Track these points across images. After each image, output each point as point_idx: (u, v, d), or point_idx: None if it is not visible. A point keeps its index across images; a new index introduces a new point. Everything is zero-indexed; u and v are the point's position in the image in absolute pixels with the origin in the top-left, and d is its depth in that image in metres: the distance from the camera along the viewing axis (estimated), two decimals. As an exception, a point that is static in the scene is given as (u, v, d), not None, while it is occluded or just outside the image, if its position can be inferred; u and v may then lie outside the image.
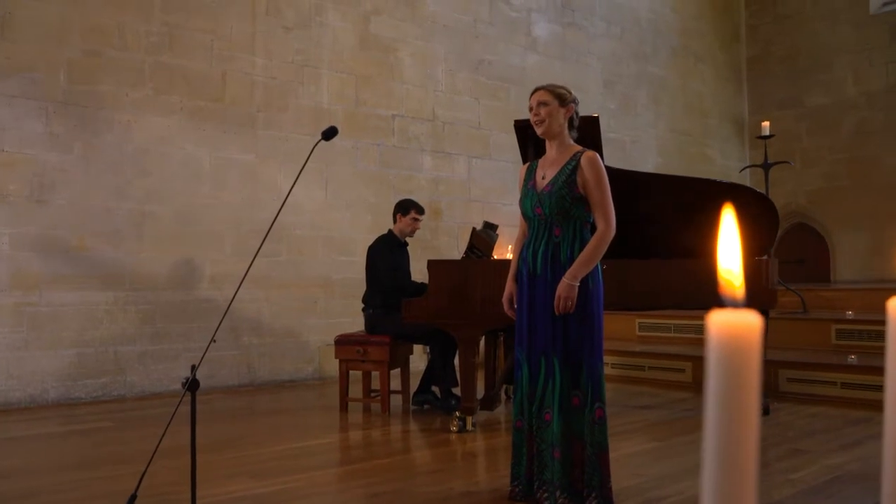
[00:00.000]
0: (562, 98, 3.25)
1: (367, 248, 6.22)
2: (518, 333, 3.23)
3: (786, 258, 9.66)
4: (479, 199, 9.24)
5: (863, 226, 11.58)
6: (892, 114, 11.53)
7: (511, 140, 7.61)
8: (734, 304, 0.51)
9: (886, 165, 11.51)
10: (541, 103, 3.25)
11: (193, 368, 2.60)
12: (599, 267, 3.17)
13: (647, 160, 11.12)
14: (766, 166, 8.44)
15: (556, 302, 3.06)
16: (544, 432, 3.11)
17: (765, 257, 5.43)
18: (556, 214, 3.17)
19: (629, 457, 4.24)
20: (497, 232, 6.11)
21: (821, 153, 12.16)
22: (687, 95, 12.12)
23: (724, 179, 7.48)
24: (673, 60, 11.95)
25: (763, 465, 4.21)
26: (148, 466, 3.01)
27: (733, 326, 0.47)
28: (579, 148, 3.29)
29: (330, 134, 3.23)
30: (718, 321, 0.47)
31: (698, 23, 12.45)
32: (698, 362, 6.92)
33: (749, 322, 0.47)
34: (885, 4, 11.85)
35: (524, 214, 3.29)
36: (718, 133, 12.63)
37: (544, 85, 3.36)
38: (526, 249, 3.25)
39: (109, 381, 6.54)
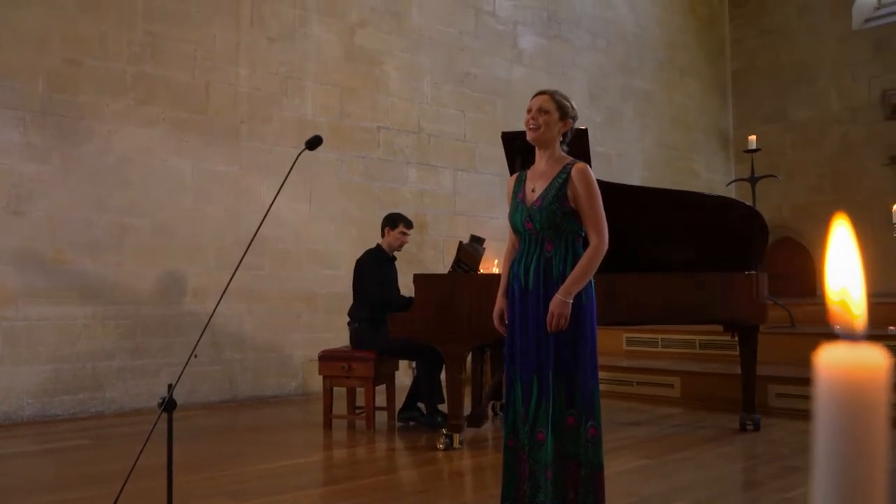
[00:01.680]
0: (563, 111, 3.12)
1: (351, 261, 6.12)
2: (509, 351, 3.13)
3: (770, 272, 9.63)
4: (464, 212, 9.15)
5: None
6: (875, 128, 11.56)
7: (497, 153, 7.54)
8: (852, 337, 0.39)
9: (870, 179, 11.53)
10: (542, 110, 3.11)
11: (170, 388, 2.49)
12: (592, 282, 3.07)
13: (633, 174, 11.08)
14: (752, 180, 8.41)
15: (548, 319, 2.96)
16: (537, 452, 3.00)
17: (754, 272, 5.37)
18: (547, 229, 3.05)
19: (620, 475, 4.15)
20: (484, 246, 6.02)
21: (805, 167, 12.17)
22: (672, 109, 12.11)
23: (712, 193, 7.44)
24: (658, 74, 11.94)
25: (757, 484, 4.13)
26: (123, 488, 2.89)
27: (854, 366, 0.35)
28: (570, 159, 3.15)
29: (314, 143, 3.14)
30: (833, 358, 0.36)
31: (684, 36, 12.46)
32: (687, 377, 6.85)
33: (874, 360, 0.36)
34: (867, 20, 11.91)
35: (514, 229, 3.18)
36: (704, 147, 12.62)
37: (551, 91, 3.19)
38: (517, 264, 3.14)
39: (87, 397, 6.38)
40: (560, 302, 2.94)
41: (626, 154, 11.21)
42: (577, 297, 2.99)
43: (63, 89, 6.42)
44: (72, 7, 6.50)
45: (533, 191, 3.12)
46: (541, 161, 3.15)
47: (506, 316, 3.19)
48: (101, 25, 6.63)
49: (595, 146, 10.28)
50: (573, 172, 3.07)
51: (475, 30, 9.49)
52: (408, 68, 8.76)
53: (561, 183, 3.07)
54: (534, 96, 3.17)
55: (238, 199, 7.32)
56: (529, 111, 3.13)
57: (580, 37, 10.78)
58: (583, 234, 3.08)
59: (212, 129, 7.22)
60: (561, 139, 3.17)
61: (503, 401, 6.21)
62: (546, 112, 3.09)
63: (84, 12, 6.56)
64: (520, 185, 3.18)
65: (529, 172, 3.19)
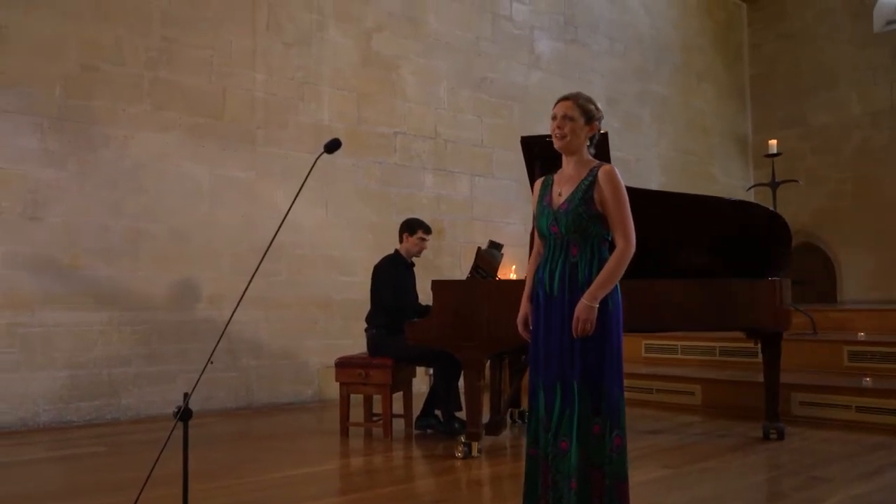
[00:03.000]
0: (588, 115, 3.04)
1: (368, 267, 6.07)
2: (533, 357, 3.06)
3: (791, 278, 9.51)
4: (481, 217, 9.09)
5: (868, 245, 11.44)
6: (897, 133, 11.42)
7: (514, 158, 7.48)
8: None
9: (891, 185, 11.39)
10: (567, 117, 3.04)
11: (186, 397, 2.44)
12: (619, 287, 3.00)
13: (650, 179, 10.99)
14: (773, 185, 8.30)
15: (574, 324, 2.89)
16: (560, 462, 2.93)
17: (777, 278, 5.28)
18: (573, 233, 2.98)
19: (642, 485, 4.06)
20: (502, 252, 5.96)
21: (825, 172, 12.04)
22: (690, 114, 12.01)
23: (732, 197, 7.34)
24: (675, 78, 11.85)
25: (782, 496, 4.04)
26: (139, 496, 2.84)
27: None
28: (596, 162, 3.07)
29: (333, 146, 3.09)
30: None
31: (700, 40, 12.37)
32: (708, 384, 6.75)
33: None
34: (888, 23, 11.77)
35: (539, 233, 3.11)
36: (721, 152, 12.51)
37: (572, 95, 3.10)
38: (542, 269, 3.07)
39: (103, 403, 6.36)
40: (586, 307, 2.87)
41: (643, 159, 11.13)
42: (604, 303, 2.92)
43: (79, 95, 6.41)
44: (88, 13, 6.49)
45: (559, 195, 3.05)
46: (568, 165, 3.09)
47: (530, 322, 3.12)
48: (118, 31, 6.62)
49: (613, 151, 10.19)
50: (600, 174, 3.00)
51: (492, 34, 9.44)
52: (424, 73, 8.72)
53: (587, 186, 3.00)
54: (557, 102, 3.10)
55: (253, 204, 7.29)
56: (554, 118, 3.06)
57: (597, 41, 10.71)
58: (609, 238, 3.01)
59: (228, 135, 7.20)
60: (588, 143, 3.11)
61: (523, 408, 6.12)
62: (571, 119, 3.02)
63: (100, 19, 6.55)
64: (546, 189, 3.12)
65: (556, 176, 3.12)
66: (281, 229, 3.28)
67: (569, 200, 3.01)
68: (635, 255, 2.97)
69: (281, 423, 6.47)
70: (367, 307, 5.89)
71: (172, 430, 2.65)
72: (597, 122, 3.10)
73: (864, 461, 4.64)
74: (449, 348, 4.96)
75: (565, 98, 3.10)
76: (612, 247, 3.00)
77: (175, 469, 2.82)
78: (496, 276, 5.78)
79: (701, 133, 12.16)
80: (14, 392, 5.95)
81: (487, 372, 6.00)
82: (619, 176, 3.03)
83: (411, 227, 5.92)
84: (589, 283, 2.92)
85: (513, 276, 7.65)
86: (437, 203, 8.68)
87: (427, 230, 5.95)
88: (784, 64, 12.68)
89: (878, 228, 11.34)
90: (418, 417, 5.87)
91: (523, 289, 3.22)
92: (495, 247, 5.87)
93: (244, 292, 3.15)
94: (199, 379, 2.96)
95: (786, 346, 5.57)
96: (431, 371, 6.24)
